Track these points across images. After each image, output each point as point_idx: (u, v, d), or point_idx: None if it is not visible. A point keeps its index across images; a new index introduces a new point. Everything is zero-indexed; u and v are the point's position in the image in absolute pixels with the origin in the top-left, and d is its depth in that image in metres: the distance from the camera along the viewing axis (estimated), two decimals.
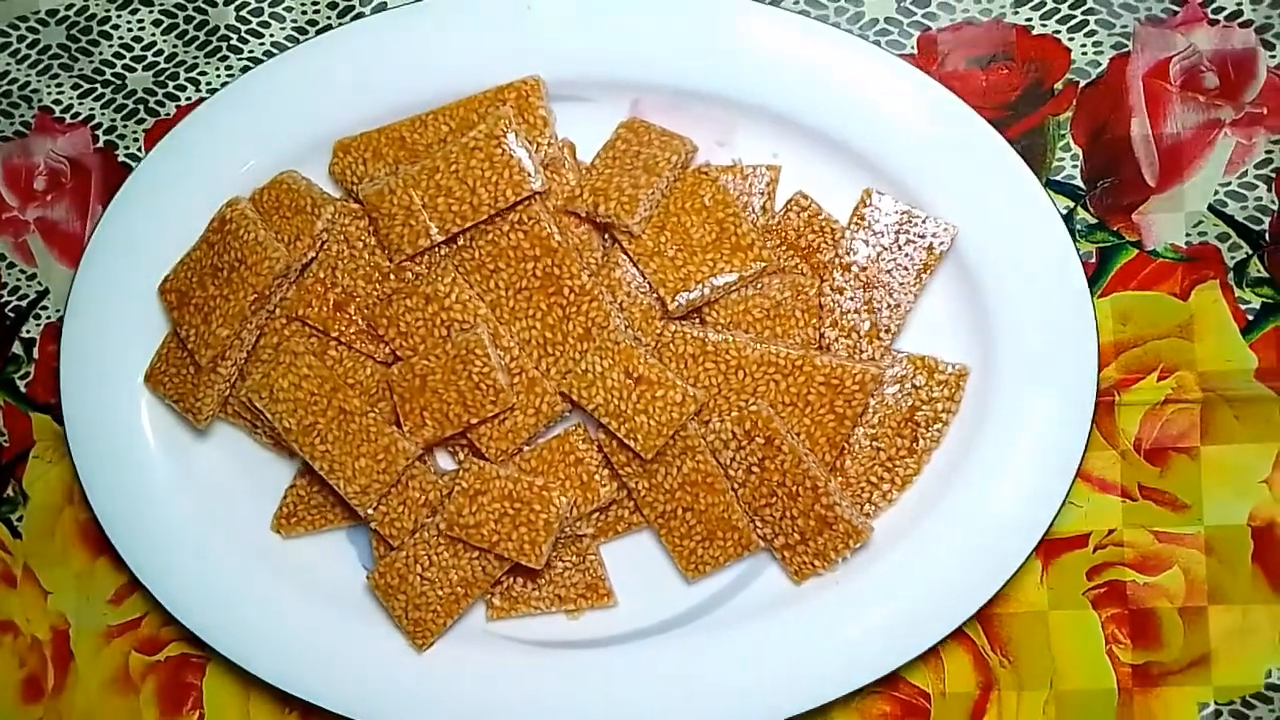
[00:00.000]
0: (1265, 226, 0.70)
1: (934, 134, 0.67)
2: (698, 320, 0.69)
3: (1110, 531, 0.71)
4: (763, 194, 0.70)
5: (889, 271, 0.67)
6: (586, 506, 0.68)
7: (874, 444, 0.69)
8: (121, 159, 0.79)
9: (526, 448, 0.70)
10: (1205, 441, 0.70)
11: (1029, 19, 0.71)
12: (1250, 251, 0.70)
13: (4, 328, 0.81)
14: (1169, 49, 0.70)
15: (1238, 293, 0.70)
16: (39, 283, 0.80)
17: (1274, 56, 0.69)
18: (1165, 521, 0.70)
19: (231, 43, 0.78)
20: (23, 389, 0.80)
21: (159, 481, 0.75)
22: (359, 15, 0.75)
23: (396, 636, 0.72)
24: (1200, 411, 0.70)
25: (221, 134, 0.73)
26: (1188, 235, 0.70)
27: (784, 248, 0.69)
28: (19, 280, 0.81)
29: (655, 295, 0.68)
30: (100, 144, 0.80)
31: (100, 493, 0.74)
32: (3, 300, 0.81)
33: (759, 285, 0.68)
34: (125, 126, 0.79)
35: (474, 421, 0.69)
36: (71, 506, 0.80)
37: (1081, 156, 0.71)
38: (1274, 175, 0.69)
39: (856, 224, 0.67)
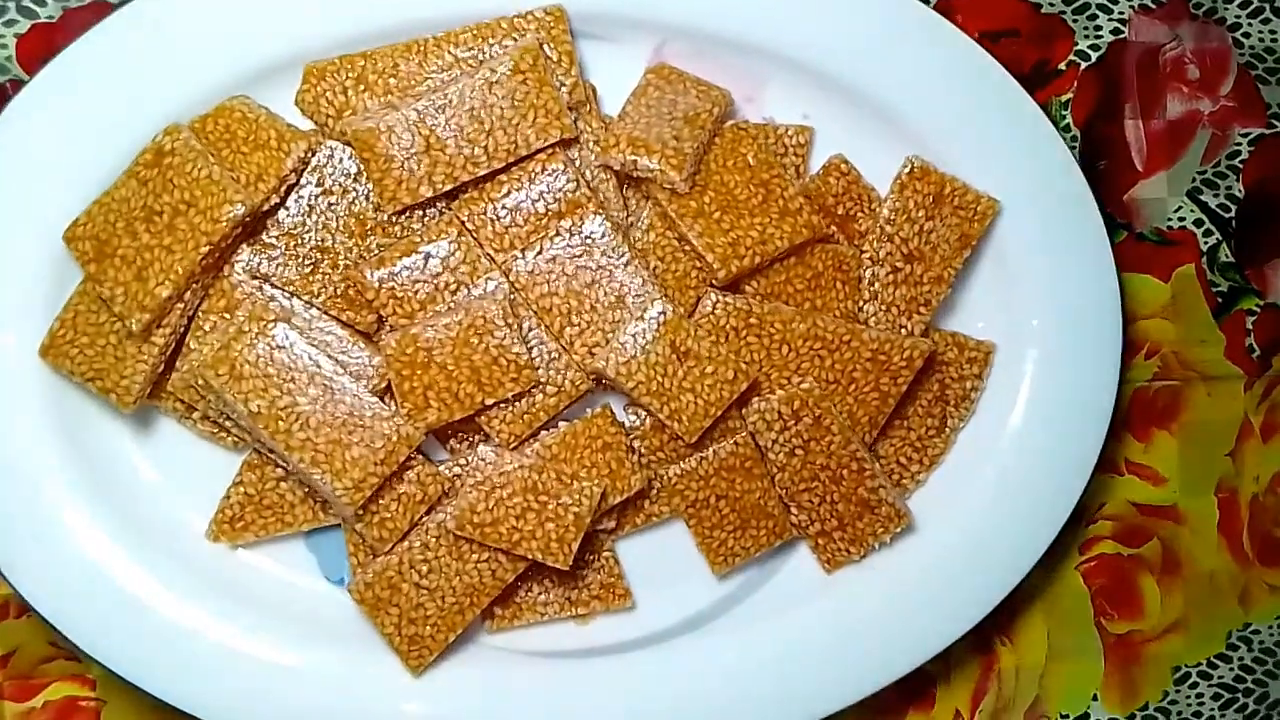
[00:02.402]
0: (1233, 214, 0.70)
1: (972, 101, 0.61)
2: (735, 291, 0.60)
3: (1100, 506, 0.69)
4: (796, 157, 0.61)
5: (930, 244, 0.61)
6: (616, 497, 0.58)
7: (905, 423, 0.63)
8: None
9: (544, 432, 0.58)
10: (1183, 417, 0.69)
11: None
12: (1221, 238, 0.70)
13: None
14: (1158, 39, 0.69)
15: (1210, 276, 0.70)
16: None
17: (1243, 55, 0.70)
18: (1146, 494, 0.69)
19: None
20: None
21: (53, 480, 0.56)
22: None
23: (381, 657, 0.58)
24: (1180, 389, 0.69)
25: (146, 47, 0.56)
26: (1169, 220, 0.69)
27: (820, 214, 0.61)
28: None
29: (695, 261, 0.58)
30: None
31: None
32: None
33: (800, 254, 0.60)
34: None
35: (489, 402, 0.56)
36: None
37: (1079, 138, 0.68)
38: (1242, 166, 0.70)
39: (898, 192, 0.61)
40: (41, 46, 0.60)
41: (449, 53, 0.57)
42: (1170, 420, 0.69)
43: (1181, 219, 0.69)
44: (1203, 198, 0.69)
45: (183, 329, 0.56)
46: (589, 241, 0.57)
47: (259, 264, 0.56)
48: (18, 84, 0.60)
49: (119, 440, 0.58)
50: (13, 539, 0.55)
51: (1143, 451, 0.69)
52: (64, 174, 0.56)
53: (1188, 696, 0.70)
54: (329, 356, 0.55)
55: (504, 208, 0.57)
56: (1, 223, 0.55)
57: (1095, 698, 0.69)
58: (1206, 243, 0.70)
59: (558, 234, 0.57)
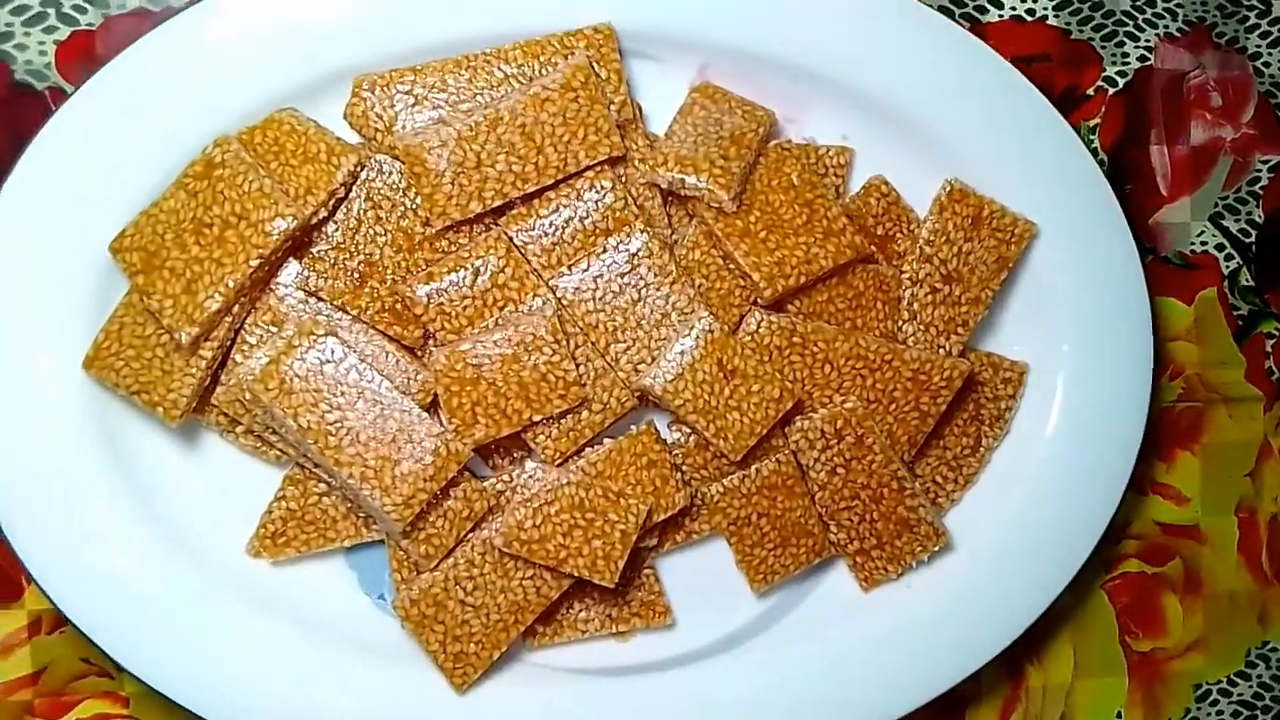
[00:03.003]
0: (1253, 239, 0.71)
1: (1009, 124, 0.62)
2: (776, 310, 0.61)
3: (1125, 525, 0.70)
4: (836, 177, 0.62)
5: (968, 265, 0.62)
6: (660, 514, 0.58)
7: (941, 442, 0.63)
8: (20, 76, 0.59)
9: (588, 449, 0.58)
10: (1205, 438, 0.70)
11: (1067, 23, 0.69)
12: (1241, 262, 0.71)
13: None
14: (1183, 67, 0.70)
15: (1231, 300, 0.71)
16: None
17: (1263, 83, 0.71)
18: (1169, 514, 0.70)
19: None
20: None
21: (96, 496, 0.55)
22: None
23: (422, 674, 0.58)
24: (1202, 410, 0.70)
25: (193, 59, 0.55)
26: (1192, 244, 0.71)
27: (861, 234, 0.62)
28: None
29: (739, 279, 0.59)
30: None
31: (12, 511, 0.53)
32: None
33: (842, 274, 0.60)
34: (27, 35, 0.59)
35: (536, 419, 0.56)
36: None
37: (1106, 162, 0.69)
38: (1262, 192, 0.71)
39: (937, 214, 0.61)
40: (81, 54, 0.59)
41: (499, 69, 0.57)
42: (1193, 441, 0.70)
43: (1204, 243, 0.71)
44: (1224, 223, 0.71)
45: (229, 342, 0.55)
46: (636, 258, 0.58)
47: (306, 277, 0.55)
48: (57, 91, 0.59)
49: (159, 454, 0.57)
50: (51, 552, 0.54)
51: (1166, 471, 0.70)
52: (107, 185, 0.55)
53: (1209, 714, 0.71)
54: (377, 371, 0.55)
55: (552, 224, 0.57)
56: (43, 233, 0.54)
57: (1119, 715, 0.70)
58: (1228, 267, 0.71)
59: (604, 251, 0.58)
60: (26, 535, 0.54)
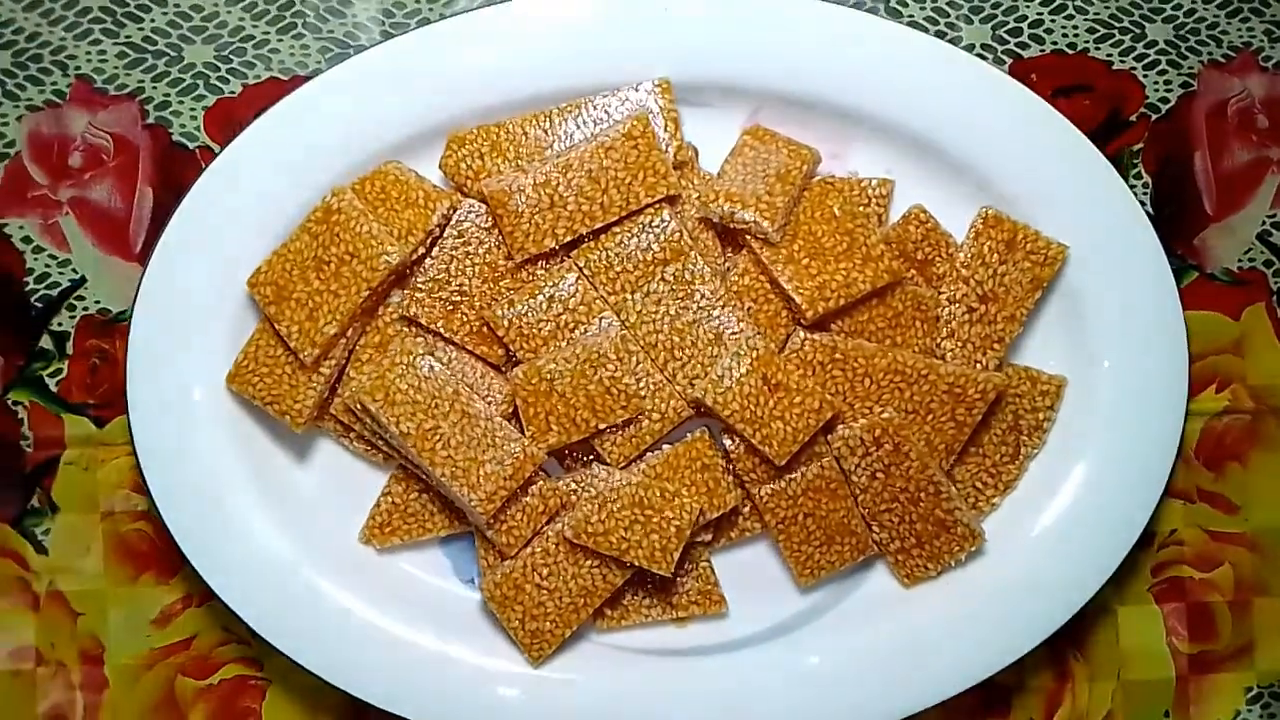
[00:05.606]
0: None
1: (1045, 156, 0.70)
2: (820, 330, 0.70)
3: (1172, 531, 0.76)
4: (879, 206, 0.71)
5: (1004, 286, 0.69)
6: (712, 513, 0.68)
7: (980, 450, 0.71)
8: (176, 138, 0.73)
9: (649, 453, 0.68)
10: (1254, 448, 0.76)
11: (1109, 55, 0.76)
12: None
13: (29, 319, 0.72)
14: (1227, 91, 0.76)
15: (1278, 314, 0.76)
16: (73, 270, 0.72)
17: None
18: (1218, 522, 0.76)
19: (309, 20, 0.72)
20: (53, 388, 0.72)
21: (237, 491, 0.68)
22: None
23: (502, 648, 0.69)
24: (1250, 421, 0.76)
25: (320, 120, 0.68)
26: (1239, 261, 0.76)
27: (900, 259, 0.70)
28: (48, 266, 0.72)
29: (784, 303, 0.68)
30: (151, 120, 0.72)
31: (172, 504, 0.67)
32: (27, 288, 0.72)
33: (882, 295, 0.69)
34: (181, 103, 0.72)
35: (602, 427, 0.67)
36: (110, 519, 0.72)
37: (1151, 185, 0.76)
38: None
39: (974, 239, 0.70)
40: (225, 117, 0.73)
41: (571, 121, 0.68)
42: (1241, 451, 0.76)
43: (1251, 260, 0.77)
44: (1271, 239, 0.77)
45: (344, 361, 0.68)
46: (691, 285, 0.68)
47: (407, 305, 0.68)
48: (206, 150, 0.73)
49: (288, 456, 0.70)
50: (200, 538, 0.68)
51: (1214, 480, 0.76)
52: (245, 230, 0.68)
53: (1261, 717, 0.76)
54: (466, 385, 0.67)
55: (616, 255, 0.68)
56: (195, 271, 0.68)
57: (1167, 714, 0.76)
58: (1277, 282, 0.77)
59: (663, 278, 0.68)
60: (181, 523, 0.68)
